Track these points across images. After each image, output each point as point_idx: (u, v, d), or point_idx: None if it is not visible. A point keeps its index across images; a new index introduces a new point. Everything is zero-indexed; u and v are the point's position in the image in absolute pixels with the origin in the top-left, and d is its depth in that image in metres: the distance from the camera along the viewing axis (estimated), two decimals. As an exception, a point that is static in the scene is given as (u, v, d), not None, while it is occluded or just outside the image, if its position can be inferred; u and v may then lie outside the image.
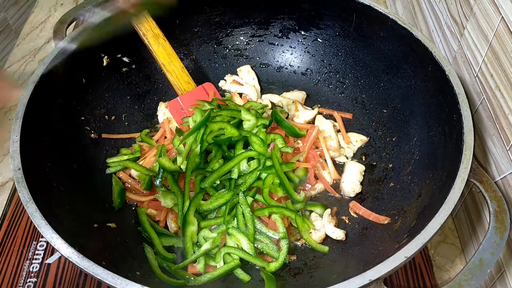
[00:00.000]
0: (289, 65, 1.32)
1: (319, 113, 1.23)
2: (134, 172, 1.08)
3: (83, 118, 1.10)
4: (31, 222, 0.78)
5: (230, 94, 1.27)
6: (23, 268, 1.01)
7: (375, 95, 1.20)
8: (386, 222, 0.98)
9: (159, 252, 0.94)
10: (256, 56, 1.34)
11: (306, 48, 1.30)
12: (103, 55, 1.14)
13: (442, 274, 1.03)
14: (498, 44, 0.87)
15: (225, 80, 1.31)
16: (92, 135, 1.11)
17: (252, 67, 1.32)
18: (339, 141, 1.15)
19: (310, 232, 0.99)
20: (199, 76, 1.28)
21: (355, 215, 1.04)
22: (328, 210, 1.02)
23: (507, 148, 0.86)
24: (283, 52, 1.32)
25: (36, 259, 1.02)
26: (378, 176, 1.10)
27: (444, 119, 0.96)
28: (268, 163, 1.00)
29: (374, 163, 1.13)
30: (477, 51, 0.96)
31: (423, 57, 1.01)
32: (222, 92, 1.29)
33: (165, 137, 1.15)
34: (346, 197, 1.08)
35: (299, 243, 1.00)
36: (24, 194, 0.80)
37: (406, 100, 1.11)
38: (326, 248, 0.97)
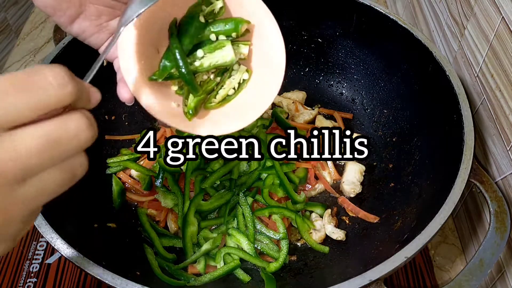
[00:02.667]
0: (290, 65, 1.32)
1: (319, 113, 1.23)
2: (134, 172, 1.08)
3: (83, 118, 1.10)
4: (31, 222, 0.78)
5: (230, 94, 1.27)
6: (23, 268, 1.01)
7: (375, 95, 1.20)
8: (375, 221, 0.99)
9: (159, 253, 0.94)
10: (256, 56, 1.34)
11: (306, 48, 1.30)
12: (103, 55, 1.14)
13: (442, 275, 1.02)
14: (499, 44, 0.87)
15: (225, 80, 1.30)
16: (92, 135, 1.11)
17: (252, 67, 1.32)
18: (339, 141, 1.15)
19: (310, 232, 0.99)
20: (199, 76, 1.28)
21: (351, 214, 1.04)
22: (328, 211, 1.02)
23: (508, 148, 0.86)
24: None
25: (36, 259, 1.02)
26: (378, 176, 1.10)
27: (444, 119, 0.96)
28: (268, 163, 1.00)
29: (374, 163, 1.13)
30: (477, 51, 0.96)
31: (423, 57, 1.01)
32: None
33: (165, 137, 1.15)
34: (346, 198, 1.08)
35: (299, 244, 1.00)
36: (24, 194, 0.80)
37: (406, 100, 1.11)
38: (326, 249, 0.97)
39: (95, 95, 0.46)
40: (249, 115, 0.68)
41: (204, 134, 0.66)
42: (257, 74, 0.71)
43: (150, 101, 0.64)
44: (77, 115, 0.41)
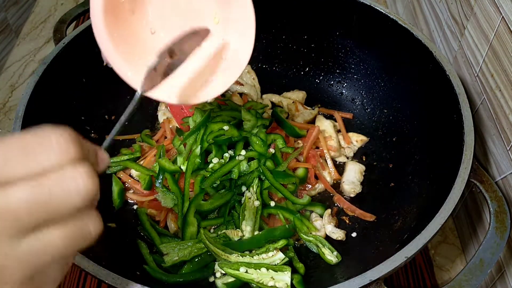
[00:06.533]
0: (290, 65, 1.32)
1: (319, 113, 1.23)
2: (134, 172, 1.08)
3: (83, 118, 1.10)
4: (31, 222, 0.77)
5: (230, 94, 1.27)
6: (23, 268, 1.00)
7: (375, 95, 1.20)
8: (372, 219, 1.00)
9: (160, 252, 0.94)
10: (257, 56, 1.34)
11: (306, 48, 1.30)
12: (103, 55, 1.14)
13: (442, 274, 1.03)
14: (499, 44, 0.87)
15: (225, 80, 1.30)
16: (93, 135, 1.11)
17: (252, 67, 1.32)
18: (339, 141, 1.15)
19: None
20: (199, 76, 1.28)
21: (349, 213, 1.04)
22: (328, 210, 1.02)
23: (508, 148, 0.86)
24: (284, 52, 1.32)
25: (36, 259, 1.02)
26: (379, 176, 1.10)
27: (444, 119, 0.96)
28: (269, 163, 1.00)
29: (374, 163, 1.13)
30: (477, 51, 0.96)
31: (423, 57, 1.01)
32: (222, 92, 1.29)
33: (165, 137, 1.15)
34: (346, 197, 1.08)
35: (298, 244, 0.99)
36: (24, 194, 0.80)
37: (406, 100, 1.11)
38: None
39: (104, 160, 0.46)
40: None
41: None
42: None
43: (122, 66, 0.68)
44: (74, 167, 0.39)
